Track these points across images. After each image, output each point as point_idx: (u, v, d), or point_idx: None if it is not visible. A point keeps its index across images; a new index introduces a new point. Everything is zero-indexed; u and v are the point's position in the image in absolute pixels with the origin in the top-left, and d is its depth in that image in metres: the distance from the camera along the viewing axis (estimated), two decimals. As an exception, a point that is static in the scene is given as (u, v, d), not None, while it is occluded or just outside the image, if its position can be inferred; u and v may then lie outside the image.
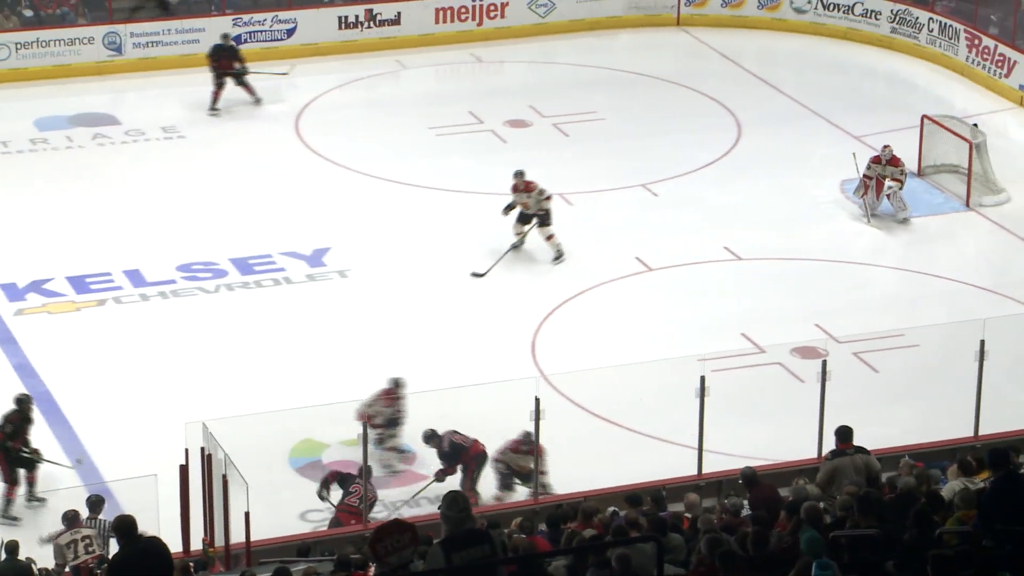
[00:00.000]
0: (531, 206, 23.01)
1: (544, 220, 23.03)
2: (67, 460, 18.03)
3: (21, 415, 17.70)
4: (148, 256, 22.93)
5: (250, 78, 27.82)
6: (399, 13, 30.73)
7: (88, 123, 27.44)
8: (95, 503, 16.24)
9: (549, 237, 23.06)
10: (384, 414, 18.36)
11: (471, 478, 17.64)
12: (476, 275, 22.59)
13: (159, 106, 28.27)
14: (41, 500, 17.49)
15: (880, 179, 24.32)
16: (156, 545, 10.76)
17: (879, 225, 24.26)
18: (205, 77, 28.57)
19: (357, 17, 30.56)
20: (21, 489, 17.54)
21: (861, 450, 15.10)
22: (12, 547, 14.90)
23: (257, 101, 27.91)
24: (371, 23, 30.61)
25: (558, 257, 23.02)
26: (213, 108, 27.68)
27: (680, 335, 21.08)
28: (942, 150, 25.64)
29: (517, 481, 17.60)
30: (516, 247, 23.07)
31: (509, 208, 23.13)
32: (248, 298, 22.06)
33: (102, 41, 29.28)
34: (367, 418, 17.76)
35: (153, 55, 29.49)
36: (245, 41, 29.26)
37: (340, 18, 30.50)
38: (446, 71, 30.35)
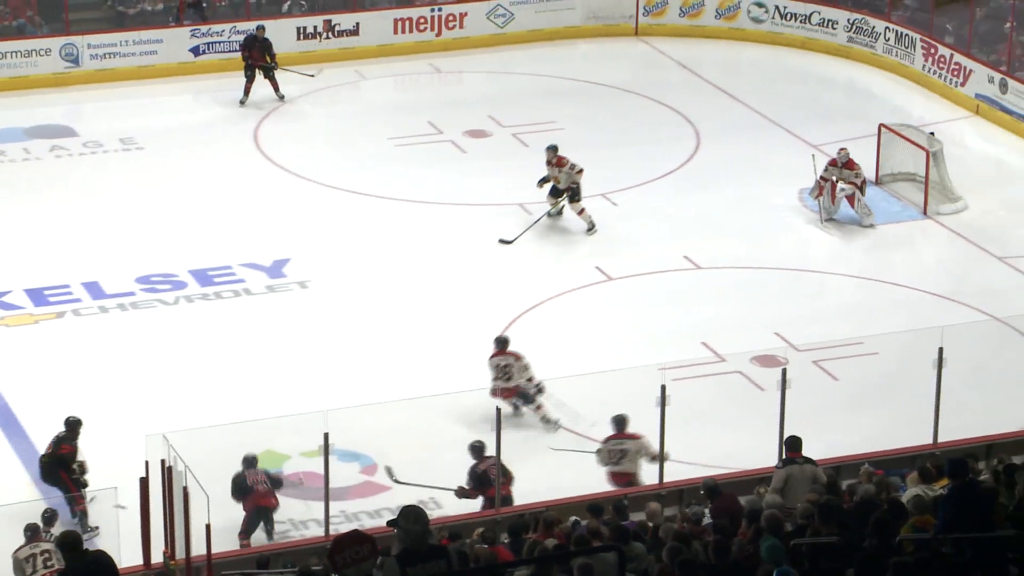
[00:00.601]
0: (562, 180, 23.93)
1: (574, 195, 23.84)
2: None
3: (76, 436, 17.64)
4: (107, 268, 22.84)
5: (279, 76, 28.30)
6: (358, 24, 30.71)
7: (45, 135, 27.33)
8: (49, 518, 16.13)
9: (580, 211, 23.98)
10: (526, 367, 19.07)
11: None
12: (504, 242, 23.36)
13: (117, 117, 28.18)
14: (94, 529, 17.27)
15: (835, 182, 24.46)
16: (103, 559, 10.76)
17: (832, 228, 24.39)
18: (162, 88, 28.55)
19: (316, 28, 30.54)
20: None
21: (809, 460, 15.48)
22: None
23: (281, 98, 28.33)
24: (330, 34, 30.58)
25: (590, 229, 23.93)
26: (243, 101, 28.18)
27: (640, 344, 21.11)
28: (899, 159, 25.78)
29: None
30: (551, 215, 24.05)
31: (543, 181, 24.19)
32: (208, 310, 22.00)
33: (59, 52, 29.17)
34: (511, 392, 18.78)
35: (110, 66, 29.39)
36: (204, 52, 29.20)
37: (299, 28, 30.46)
38: (405, 81, 30.35)
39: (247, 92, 28.14)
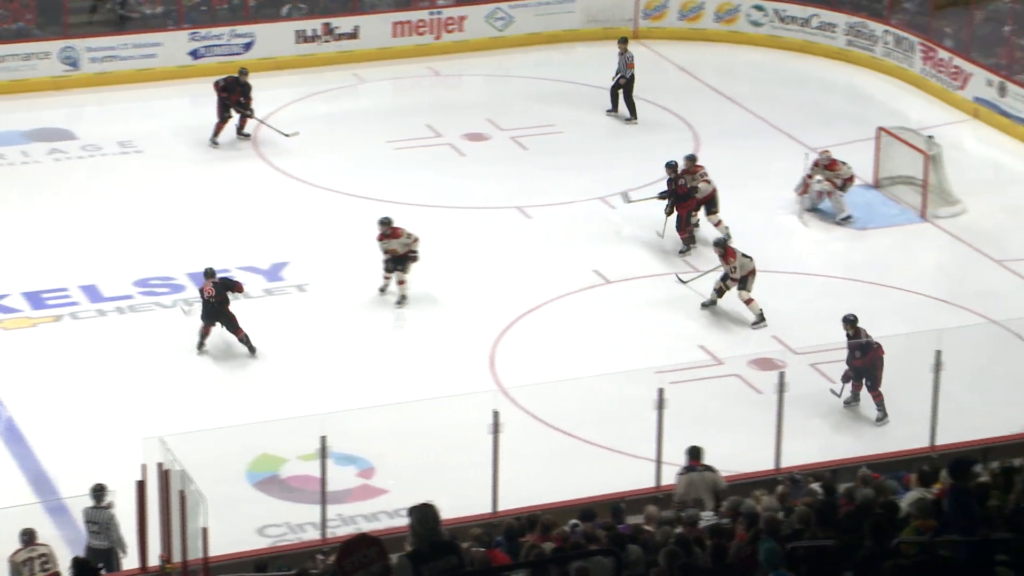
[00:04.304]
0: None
1: (711, 206, 23.89)
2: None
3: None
4: (105, 271, 22.82)
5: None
6: (357, 27, 30.70)
7: (44, 138, 27.31)
8: (98, 492, 16.04)
9: (717, 223, 23.81)
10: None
11: (866, 381, 19.23)
12: (681, 280, 22.70)
13: (116, 121, 28.16)
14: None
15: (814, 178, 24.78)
16: None
17: (812, 224, 24.62)
18: (161, 91, 28.55)
19: (315, 31, 30.52)
20: None
21: (709, 468, 16.24)
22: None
23: (246, 137, 27.06)
24: (329, 37, 30.56)
25: (685, 249, 23.68)
26: (215, 141, 26.83)
27: (637, 347, 21.11)
28: (898, 162, 25.76)
29: None
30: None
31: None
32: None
33: (58, 56, 29.16)
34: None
35: (109, 70, 29.37)
36: (203, 55, 29.18)
37: (297, 32, 30.45)
38: (404, 85, 30.32)
39: (218, 132, 26.76)
